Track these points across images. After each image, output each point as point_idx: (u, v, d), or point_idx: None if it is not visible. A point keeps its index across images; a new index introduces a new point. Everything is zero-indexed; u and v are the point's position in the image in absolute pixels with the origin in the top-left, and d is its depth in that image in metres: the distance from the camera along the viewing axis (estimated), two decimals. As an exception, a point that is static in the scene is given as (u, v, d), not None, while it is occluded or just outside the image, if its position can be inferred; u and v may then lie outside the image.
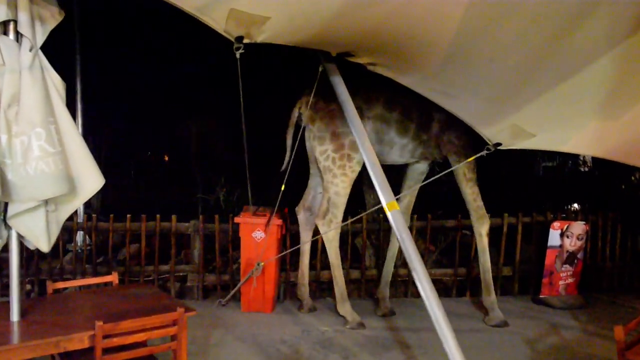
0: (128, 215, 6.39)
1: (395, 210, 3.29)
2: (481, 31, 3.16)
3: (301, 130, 5.59)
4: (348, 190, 5.67)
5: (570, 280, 6.56)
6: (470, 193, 5.75)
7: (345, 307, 5.75)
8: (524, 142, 3.98)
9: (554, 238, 6.39)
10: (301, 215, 6.21)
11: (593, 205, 7.23)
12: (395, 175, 6.02)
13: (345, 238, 6.64)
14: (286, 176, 4.92)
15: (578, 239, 6.47)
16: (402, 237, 3.20)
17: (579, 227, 6.46)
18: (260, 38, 3.30)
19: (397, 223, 3.24)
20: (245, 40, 3.28)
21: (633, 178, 10.34)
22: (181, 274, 6.56)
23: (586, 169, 11.82)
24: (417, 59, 3.52)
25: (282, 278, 6.49)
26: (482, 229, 5.85)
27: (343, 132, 5.52)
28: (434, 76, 3.66)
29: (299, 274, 6.22)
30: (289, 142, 5.89)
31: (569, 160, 11.01)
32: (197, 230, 6.45)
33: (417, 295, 6.67)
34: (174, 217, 6.42)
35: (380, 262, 6.74)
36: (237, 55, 3.35)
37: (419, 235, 6.99)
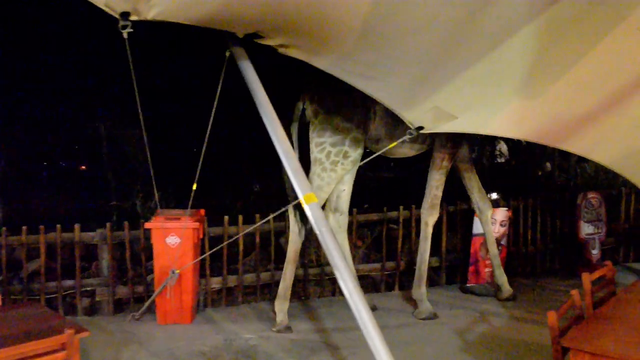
0: (23, 227, 5.71)
1: (313, 203, 2.98)
2: (395, 6, 2.92)
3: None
4: (332, 188, 5.48)
5: (495, 267, 6.55)
6: (436, 179, 5.76)
7: (281, 306, 5.43)
8: (446, 124, 3.80)
9: (478, 226, 6.35)
10: (331, 219, 5.84)
11: (512, 193, 7.30)
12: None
13: (267, 238, 6.30)
14: (197, 174, 4.49)
15: (501, 225, 6.47)
16: (322, 232, 2.90)
17: (501, 214, 6.45)
18: (150, 14, 2.88)
19: (316, 217, 2.94)
20: (133, 17, 2.86)
21: (548, 164, 10.70)
22: (89, 288, 5.96)
23: (503, 160, 12.17)
24: (330, 37, 3.23)
25: (202, 285, 6.04)
26: (429, 218, 5.82)
27: (346, 128, 5.31)
28: (350, 56, 3.40)
29: None
30: (293, 137, 5.60)
31: (487, 151, 11.24)
32: (105, 239, 5.87)
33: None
34: (76, 226, 5.81)
35: (306, 262, 6.45)
36: (125, 35, 2.91)
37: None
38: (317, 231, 2.91)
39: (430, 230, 5.82)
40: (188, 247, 5.44)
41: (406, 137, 3.96)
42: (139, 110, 3.68)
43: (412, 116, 3.81)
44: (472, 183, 6.24)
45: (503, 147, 12.15)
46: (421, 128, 3.88)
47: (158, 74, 9.80)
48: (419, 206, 6.41)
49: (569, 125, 3.90)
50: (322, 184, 5.40)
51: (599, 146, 4.12)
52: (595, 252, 6.95)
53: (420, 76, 3.49)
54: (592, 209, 6.96)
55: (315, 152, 5.42)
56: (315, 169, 5.42)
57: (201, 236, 5.79)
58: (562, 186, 9.68)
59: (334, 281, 6.45)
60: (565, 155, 10.18)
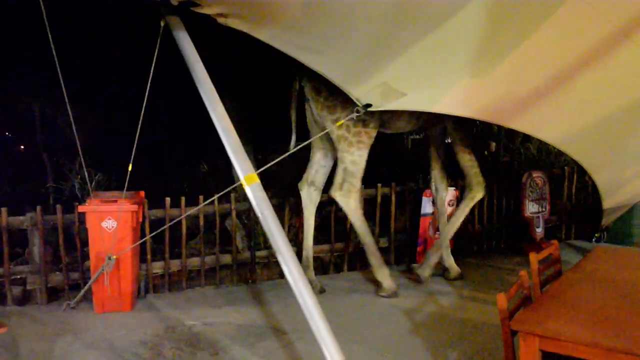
0: (-59, 212, 5.26)
1: (255, 184, 2.79)
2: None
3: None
4: (365, 157, 5.37)
5: (443, 246, 6.56)
6: (469, 159, 5.89)
7: (384, 273, 5.57)
8: (394, 102, 3.67)
9: (426, 206, 6.33)
10: (304, 191, 5.92)
11: (460, 173, 7.33)
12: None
13: (213, 220, 6.06)
14: (133, 154, 4.20)
15: (449, 205, 6.47)
16: (264, 215, 2.72)
17: (449, 193, 6.45)
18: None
19: (258, 199, 2.75)
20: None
21: (493, 144, 10.84)
22: (19, 276, 5.57)
23: (449, 140, 12.30)
24: (273, 6, 3.02)
25: (143, 270, 5.76)
26: (478, 194, 5.94)
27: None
28: (294, 28, 3.19)
29: (303, 255, 5.88)
30: (292, 118, 5.50)
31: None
32: (36, 224, 5.48)
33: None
34: (3, 210, 5.39)
35: (253, 245, 6.26)
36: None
37: (293, 212, 6.60)
38: (259, 214, 2.73)
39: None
40: (126, 231, 5.14)
41: (353, 115, 3.80)
42: (63, 86, 3.35)
43: (360, 93, 3.65)
44: (436, 163, 6.26)
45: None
46: (369, 105, 3.73)
47: (99, 50, 9.25)
48: (368, 185, 6.35)
49: (516, 103, 3.84)
50: (354, 158, 5.33)
51: (546, 125, 4.10)
52: (540, 230, 7.08)
53: (367, 51, 3.33)
54: (537, 188, 7.07)
55: (335, 131, 5.28)
56: (342, 146, 5.34)
57: (140, 219, 5.49)
58: (506, 166, 9.83)
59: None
60: (511, 135, 10.36)
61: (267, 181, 7.15)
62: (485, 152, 10.92)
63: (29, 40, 8.69)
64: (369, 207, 6.58)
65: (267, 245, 6.42)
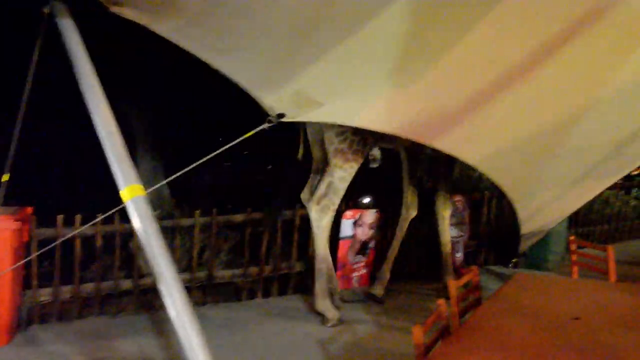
0: None
1: (138, 197, 2.35)
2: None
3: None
4: (351, 178, 5.36)
5: (363, 271, 6.29)
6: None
7: (325, 304, 5.38)
8: (310, 113, 3.35)
9: (346, 228, 6.04)
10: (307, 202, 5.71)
11: (383, 196, 7.14)
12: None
13: (112, 241, 5.46)
14: (9, 161, 3.61)
15: (370, 227, 6.22)
16: (147, 234, 2.28)
17: (371, 216, 6.21)
18: None
19: (141, 215, 2.31)
20: None
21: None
22: None
23: (376, 165, 12.24)
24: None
25: (29, 298, 5.05)
26: (446, 212, 6.25)
27: None
28: (198, 21, 2.82)
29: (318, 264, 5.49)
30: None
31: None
32: None
33: (201, 303, 5.86)
34: None
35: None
36: None
37: (203, 232, 6.10)
38: (140, 232, 2.29)
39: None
40: (4, 252, 4.47)
41: (265, 126, 3.43)
42: None
43: (272, 101, 3.31)
44: (410, 185, 6.45)
45: (376, 151, 12.25)
46: (282, 115, 3.39)
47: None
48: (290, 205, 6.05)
49: (438, 121, 3.64)
50: (345, 175, 5.31)
51: (467, 145, 3.93)
52: (459, 255, 6.98)
53: (281, 53, 3.01)
54: (457, 212, 6.99)
55: (336, 143, 5.23)
56: (336, 160, 5.29)
57: (25, 239, 4.83)
58: (429, 190, 9.79)
59: (188, 290, 5.77)
60: (434, 160, 10.38)
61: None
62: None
63: None
64: (287, 228, 6.23)
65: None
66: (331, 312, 5.36)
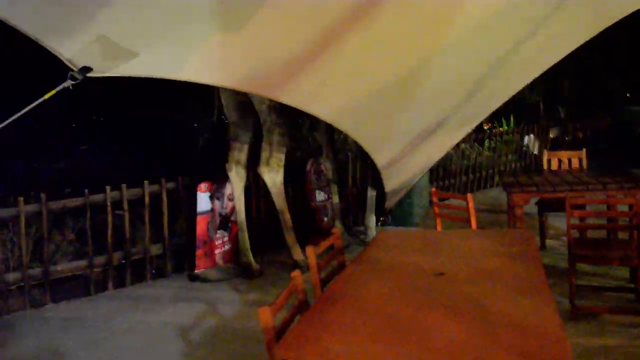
0: None
1: None
2: None
3: None
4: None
5: (227, 247, 5.81)
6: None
7: (300, 252, 5.55)
8: (123, 65, 2.75)
9: (203, 202, 5.50)
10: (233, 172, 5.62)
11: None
12: None
13: None
14: None
15: (229, 199, 5.74)
16: None
17: (228, 186, 5.72)
18: None
19: None
20: None
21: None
22: None
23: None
24: None
25: None
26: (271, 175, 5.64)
27: None
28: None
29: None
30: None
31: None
32: None
33: (39, 304, 5.04)
34: None
35: None
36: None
37: (33, 221, 5.22)
38: None
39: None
40: None
41: (67, 84, 2.76)
42: None
43: (72, 52, 2.64)
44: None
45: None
46: (88, 69, 2.74)
47: None
48: (132, 185, 5.37)
49: (281, 70, 3.21)
50: (284, 129, 5.45)
51: (316, 97, 3.56)
52: (327, 219, 6.75)
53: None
54: (321, 175, 6.72)
55: (267, 101, 5.24)
56: (272, 117, 5.36)
57: None
58: (292, 154, 9.49)
59: (23, 290, 4.92)
60: (298, 125, 10.07)
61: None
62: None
63: None
64: (137, 208, 5.55)
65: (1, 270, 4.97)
66: (302, 257, 5.42)
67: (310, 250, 3.07)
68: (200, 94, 6.95)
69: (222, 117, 5.94)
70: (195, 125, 11.47)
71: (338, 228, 6.68)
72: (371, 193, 6.76)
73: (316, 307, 2.50)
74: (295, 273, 2.62)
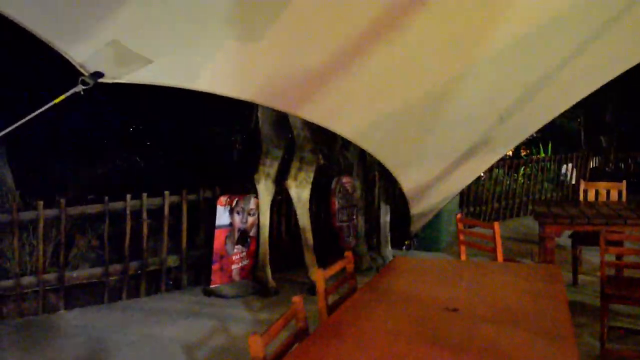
0: None
1: None
2: None
3: None
4: None
5: (244, 262, 5.69)
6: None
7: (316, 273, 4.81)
8: (137, 72, 2.67)
9: (222, 216, 5.41)
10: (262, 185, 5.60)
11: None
12: None
13: None
14: None
15: (250, 214, 5.63)
16: None
17: (250, 201, 5.62)
18: None
19: None
20: None
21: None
22: None
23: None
24: None
25: None
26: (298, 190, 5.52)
27: None
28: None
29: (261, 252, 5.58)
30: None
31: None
32: None
33: (52, 309, 5.02)
34: None
35: None
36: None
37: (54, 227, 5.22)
38: None
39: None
40: None
41: (78, 89, 2.71)
42: None
43: (85, 55, 2.59)
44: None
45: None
46: (100, 75, 2.68)
47: None
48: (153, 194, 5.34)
49: (301, 85, 3.09)
50: (316, 146, 5.45)
51: (337, 114, 3.42)
52: (350, 239, 6.56)
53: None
54: (347, 195, 6.56)
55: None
56: (305, 134, 5.33)
57: None
58: (323, 173, 9.36)
59: (38, 294, 4.91)
60: (331, 143, 9.93)
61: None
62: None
63: None
64: (157, 217, 5.50)
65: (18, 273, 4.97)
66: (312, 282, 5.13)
67: (319, 274, 2.91)
68: (239, 106, 6.92)
69: (257, 129, 5.85)
70: (233, 138, 11.49)
71: (362, 250, 6.50)
72: (384, 219, 6.52)
73: (314, 337, 2.34)
74: (297, 298, 2.46)
